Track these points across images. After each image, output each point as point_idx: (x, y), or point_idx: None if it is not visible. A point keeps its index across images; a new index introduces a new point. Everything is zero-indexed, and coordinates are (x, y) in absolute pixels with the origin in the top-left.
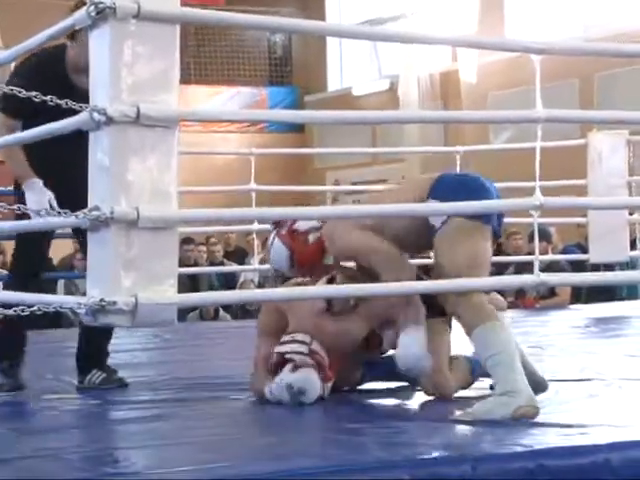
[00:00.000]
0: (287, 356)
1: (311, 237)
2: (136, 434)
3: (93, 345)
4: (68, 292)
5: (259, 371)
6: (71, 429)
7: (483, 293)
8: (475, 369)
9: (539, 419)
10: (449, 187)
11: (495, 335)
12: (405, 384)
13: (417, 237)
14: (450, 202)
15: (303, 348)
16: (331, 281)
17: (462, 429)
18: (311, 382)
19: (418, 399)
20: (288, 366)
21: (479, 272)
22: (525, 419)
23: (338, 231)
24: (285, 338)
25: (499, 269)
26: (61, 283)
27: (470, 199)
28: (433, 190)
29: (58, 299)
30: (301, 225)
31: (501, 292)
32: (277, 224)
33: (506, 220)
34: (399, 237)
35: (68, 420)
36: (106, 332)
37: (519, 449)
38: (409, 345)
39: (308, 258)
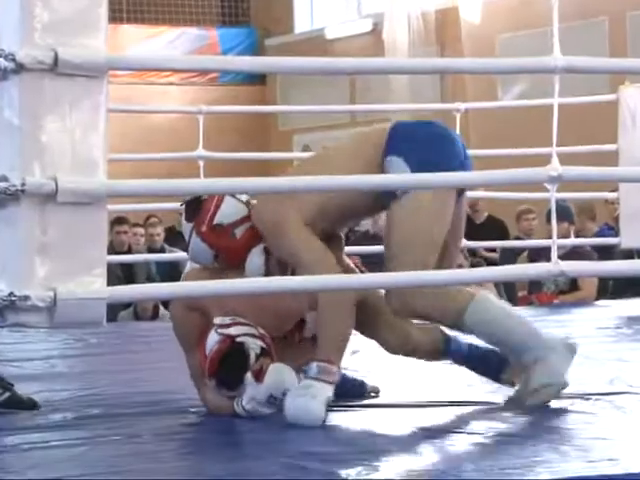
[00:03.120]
0: (238, 339)
1: (238, 231)
2: (57, 462)
3: None
4: None
5: (206, 385)
6: None
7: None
8: (451, 346)
9: (560, 442)
10: (408, 139)
11: (495, 306)
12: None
13: (372, 200)
14: (415, 161)
15: (252, 329)
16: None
17: (465, 452)
18: (286, 376)
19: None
20: (249, 377)
21: (434, 250)
22: None
23: (270, 217)
24: (222, 320)
25: (508, 256)
26: None
27: (434, 152)
28: (390, 144)
29: None
30: (224, 217)
31: (510, 284)
32: (192, 216)
33: (517, 195)
34: (348, 204)
35: None
36: None
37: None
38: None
39: (237, 255)
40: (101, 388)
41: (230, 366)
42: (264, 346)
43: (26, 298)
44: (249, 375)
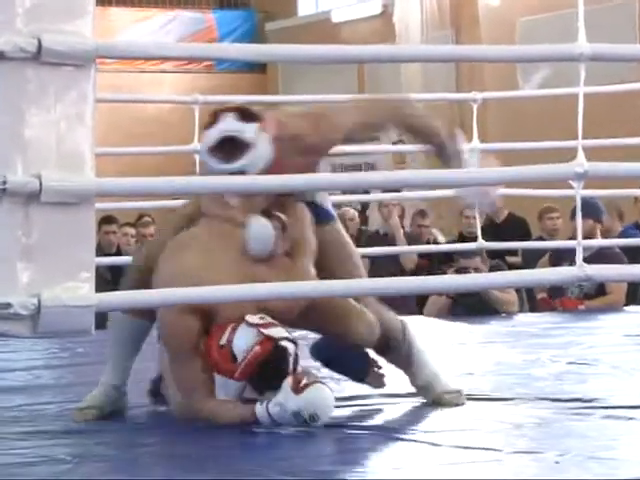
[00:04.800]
0: (282, 343)
1: None
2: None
3: None
4: None
5: (196, 395)
6: None
7: None
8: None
9: (578, 467)
10: None
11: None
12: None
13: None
14: None
15: (287, 333)
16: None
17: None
18: (324, 402)
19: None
20: (288, 383)
21: None
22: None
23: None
24: (253, 318)
25: (530, 258)
26: None
27: None
28: None
29: None
30: None
31: (529, 289)
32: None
33: (540, 192)
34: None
35: None
36: None
37: None
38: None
39: None
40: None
41: (268, 371)
42: (298, 352)
43: (8, 306)
44: (289, 381)
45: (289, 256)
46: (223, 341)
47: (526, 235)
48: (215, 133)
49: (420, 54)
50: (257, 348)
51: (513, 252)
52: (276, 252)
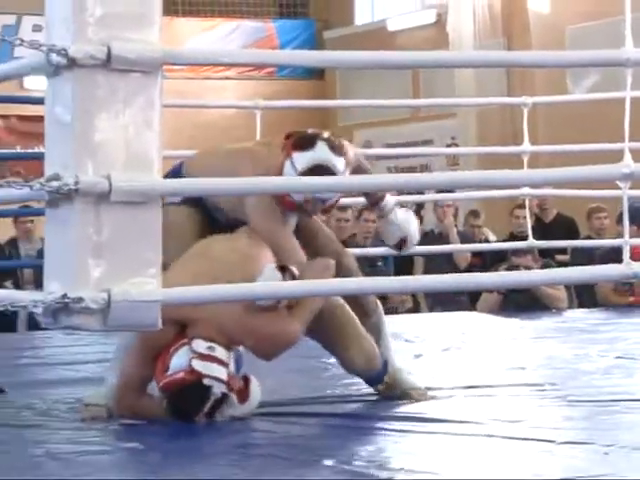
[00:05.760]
0: (205, 381)
1: None
2: (105, 470)
3: None
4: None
5: (140, 392)
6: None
7: None
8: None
9: (627, 458)
10: None
11: None
12: None
13: None
14: None
15: (223, 373)
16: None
17: None
18: (258, 395)
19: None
20: (234, 399)
21: None
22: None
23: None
24: (198, 346)
25: (579, 256)
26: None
27: None
28: None
29: (7, 295)
30: None
31: (589, 286)
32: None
33: (588, 193)
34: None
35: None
36: None
37: None
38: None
39: None
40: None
41: (183, 399)
42: (226, 392)
43: (79, 300)
44: (233, 398)
45: (288, 309)
46: (171, 350)
47: (574, 234)
48: (310, 159)
49: (472, 60)
50: (180, 374)
51: (562, 251)
52: (278, 305)
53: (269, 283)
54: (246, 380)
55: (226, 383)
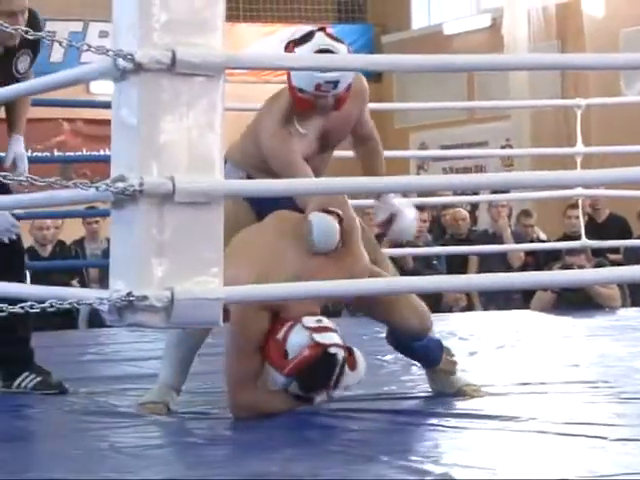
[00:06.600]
0: (331, 350)
1: None
2: (171, 463)
3: (17, 339)
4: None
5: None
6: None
7: None
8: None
9: None
10: None
11: None
12: None
13: None
14: None
15: (338, 338)
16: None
17: None
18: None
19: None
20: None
21: None
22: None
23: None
24: (309, 321)
25: (631, 256)
26: None
27: None
28: None
29: (74, 293)
30: None
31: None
32: None
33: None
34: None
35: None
36: (23, 321)
37: None
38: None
39: None
40: (218, 388)
41: (314, 374)
42: (346, 356)
43: (144, 298)
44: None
45: (344, 246)
46: (279, 336)
47: (627, 234)
48: (312, 46)
49: (526, 63)
50: (306, 352)
51: (615, 250)
52: (339, 246)
53: (327, 283)
54: (349, 349)
55: (344, 348)
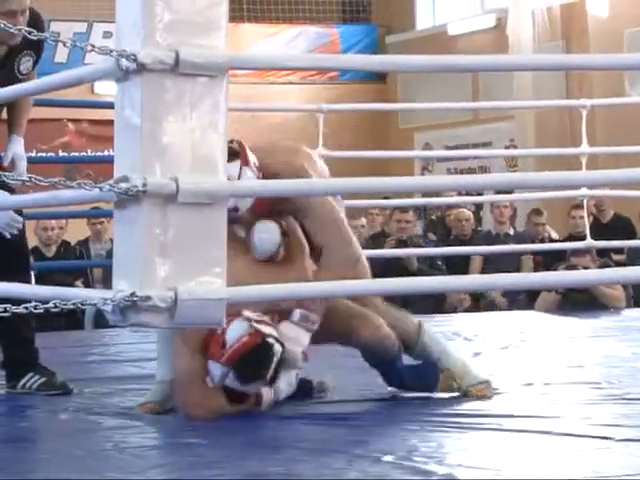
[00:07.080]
0: (269, 340)
1: None
2: (177, 463)
3: (21, 340)
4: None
5: (198, 385)
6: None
7: None
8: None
9: None
10: None
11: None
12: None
13: None
14: None
15: (276, 333)
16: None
17: None
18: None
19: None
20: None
21: None
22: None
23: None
24: (250, 315)
25: (635, 256)
26: None
27: None
28: None
29: (78, 293)
30: None
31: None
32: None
33: None
34: None
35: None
36: (26, 321)
37: None
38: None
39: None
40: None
41: (251, 362)
42: (283, 354)
43: (147, 298)
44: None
45: (288, 259)
46: (219, 331)
47: (631, 234)
48: None
49: (531, 63)
50: (245, 338)
51: (619, 251)
52: (279, 255)
53: (327, 283)
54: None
55: (281, 344)
